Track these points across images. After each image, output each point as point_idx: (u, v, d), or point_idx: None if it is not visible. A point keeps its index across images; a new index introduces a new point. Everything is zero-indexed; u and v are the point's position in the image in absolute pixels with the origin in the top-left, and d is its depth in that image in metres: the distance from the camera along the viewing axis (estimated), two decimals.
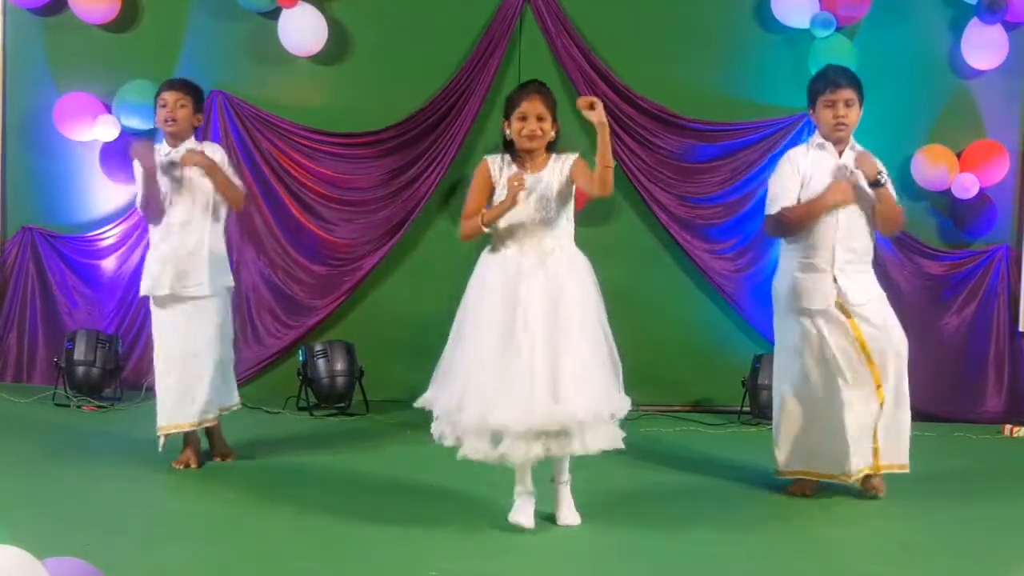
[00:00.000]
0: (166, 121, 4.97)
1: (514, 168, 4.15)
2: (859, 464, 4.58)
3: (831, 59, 6.25)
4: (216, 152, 5.05)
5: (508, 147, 4.18)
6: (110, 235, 7.02)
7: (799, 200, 4.61)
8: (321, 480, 4.83)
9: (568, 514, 4.12)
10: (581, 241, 6.63)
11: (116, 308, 6.98)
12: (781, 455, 4.73)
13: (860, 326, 4.55)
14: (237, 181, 5.09)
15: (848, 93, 4.58)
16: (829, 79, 4.63)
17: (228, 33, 6.96)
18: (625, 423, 6.18)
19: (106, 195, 7.05)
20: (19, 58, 7.12)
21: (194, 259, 4.94)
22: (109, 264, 7.03)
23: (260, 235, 6.96)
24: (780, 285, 4.73)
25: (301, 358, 6.52)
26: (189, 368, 4.94)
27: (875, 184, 4.53)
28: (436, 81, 6.80)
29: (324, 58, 6.88)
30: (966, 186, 6.56)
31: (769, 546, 4.02)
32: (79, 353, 6.50)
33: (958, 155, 6.64)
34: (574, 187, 4.18)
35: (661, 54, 6.78)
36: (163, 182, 4.95)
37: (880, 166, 4.56)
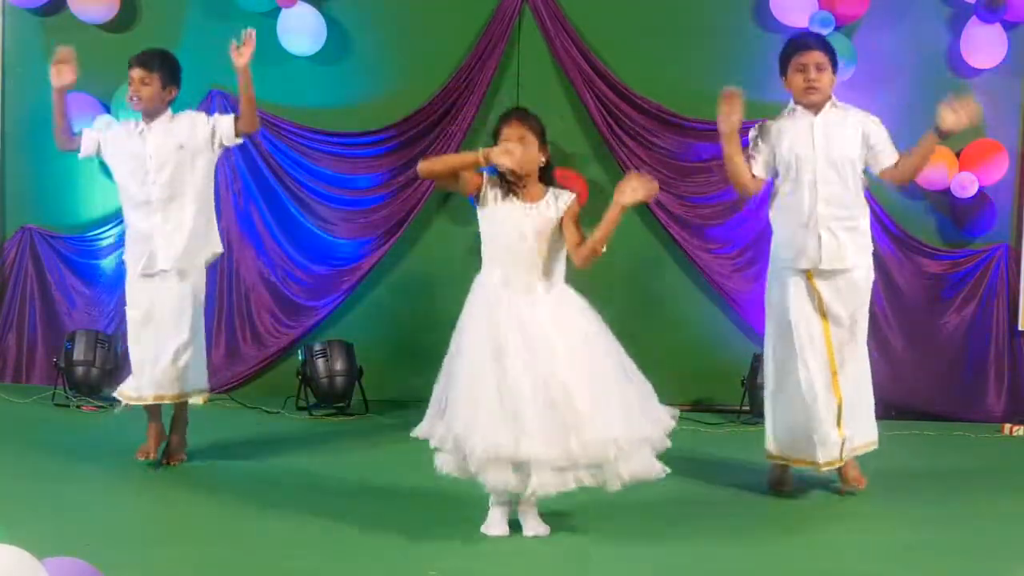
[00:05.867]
0: (131, 99, 4.87)
1: (503, 196, 4.02)
2: (826, 456, 4.52)
3: None
4: (199, 117, 4.98)
5: (501, 178, 4.06)
6: (109, 235, 7.01)
7: (774, 163, 4.63)
8: (320, 480, 4.84)
9: (535, 526, 4.01)
10: None
11: (115, 308, 6.95)
12: (767, 434, 4.70)
13: (832, 329, 4.51)
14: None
15: (819, 56, 4.54)
16: (799, 42, 4.63)
17: (226, 33, 6.89)
18: None
19: (105, 195, 7.02)
20: (18, 58, 7.11)
21: (177, 234, 4.86)
22: (108, 264, 7.02)
23: (260, 235, 6.96)
24: (773, 243, 4.73)
25: (300, 358, 6.52)
26: (156, 338, 4.87)
27: (947, 134, 4.50)
28: (435, 81, 6.80)
29: (323, 58, 6.88)
30: (965, 185, 6.56)
31: (768, 546, 4.02)
32: (78, 353, 6.49)
33: (957, 154, 6.62)
34: None
35: (660, 53, 6.77)
36: (142, 157, 4.85)
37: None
